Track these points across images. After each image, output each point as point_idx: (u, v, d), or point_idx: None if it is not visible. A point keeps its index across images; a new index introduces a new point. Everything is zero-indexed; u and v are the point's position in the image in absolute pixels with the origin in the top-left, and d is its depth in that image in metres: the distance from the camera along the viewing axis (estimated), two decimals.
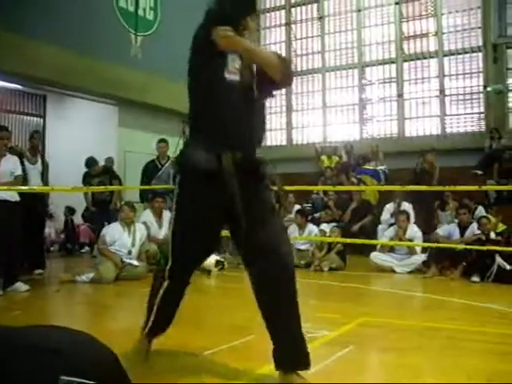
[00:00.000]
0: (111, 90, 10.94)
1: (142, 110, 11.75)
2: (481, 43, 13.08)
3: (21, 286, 6.19)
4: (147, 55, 11.92)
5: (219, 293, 6.77)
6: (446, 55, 13.51)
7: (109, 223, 8.25)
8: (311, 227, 8.97)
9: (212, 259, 8.05)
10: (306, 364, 2.73)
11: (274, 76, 2.65)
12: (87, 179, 9.79)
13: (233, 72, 2.67)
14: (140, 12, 12.08)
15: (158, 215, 8.23)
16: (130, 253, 7.20)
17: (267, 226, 2.72)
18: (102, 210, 9.63)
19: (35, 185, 7.21)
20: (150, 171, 9.13)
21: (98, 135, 11.30)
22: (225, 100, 2.66)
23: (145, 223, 7.92)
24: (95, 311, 5.29)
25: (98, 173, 9.83)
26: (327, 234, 8.91)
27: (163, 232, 8.11)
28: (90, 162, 9.90)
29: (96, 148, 10.59)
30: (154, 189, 8.54)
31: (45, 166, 7.91)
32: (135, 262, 7.18)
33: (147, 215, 8.23)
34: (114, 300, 6.09)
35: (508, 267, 6.98)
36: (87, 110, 11.64)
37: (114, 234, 7.23)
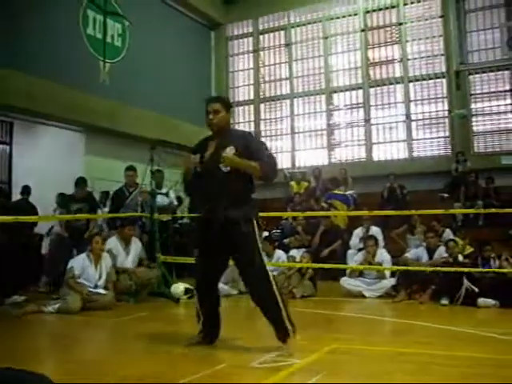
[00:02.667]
0: (79, 116, 10.82)
1: (110, 137, 11.65)
2: (444, 70, 13.36)
3: None
4: (115, 82, 11.86)
5: (187, 321, 6.65)
6: (411, 81, 13.77)
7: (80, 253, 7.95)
8: (279, 253, 8.89)
9: (181, 287, 7.97)
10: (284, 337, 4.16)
11: (255, 175, 4.21)
12: (68, 203, 9.14)
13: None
14: (108, 39, 12.04)
15: (126, 243, 7.98)
16: (96, 286, 7.05)
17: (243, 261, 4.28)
18: (75, 239, 9.04)
19: None
20: (118, 199, 8.97)
21: (65, 162, 11.12)
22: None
23: (110, 251, 7.72)
24: (62, 343, 5.14)
25: (82, 198, 9.11)
26: (297, 260, 8.87)
27: (130, 259, 7.92)
28: (80, 183, 9.15)
29: (63, 175, 10.41)
30: (124, 217, 8.38)
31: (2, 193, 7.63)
32: (102, 291, 7.04)
33: (113, 243, 7.96)
34: (81, 331, 5.93)
35: (476, 290, 7.02)
36: (55, 137, 11.48)
37: (82, 266, 7.03)
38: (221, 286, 8.13)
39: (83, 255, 7.21)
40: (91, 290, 6.92)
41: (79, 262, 7.10)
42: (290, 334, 4.15)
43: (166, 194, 9.56)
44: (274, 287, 4.17)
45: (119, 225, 8.22)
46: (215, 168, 4.15)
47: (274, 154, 4.40)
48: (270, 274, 4.20)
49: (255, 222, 4.22)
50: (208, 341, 4.41)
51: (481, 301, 6.90)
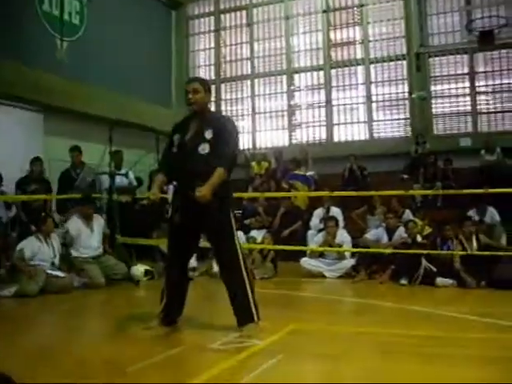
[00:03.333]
0: (36, 96, 10.52)
1: (69, 117, 11.37)
2: (405, 52, 13.44)
3: None
4: (74, 61, 11.56)
5: (148, 304, 6.58)
6: (372, 63, 13.79)
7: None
8: (239, 235, 8.84)
9: (141, 268, 7.89)
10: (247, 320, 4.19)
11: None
12: (23, 185, 8.83)
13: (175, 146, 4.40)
14: (65, 16, 11.70)
15: (88, 220, 7.72)
16: (53, 264, 6.91)
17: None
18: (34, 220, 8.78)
19: None
20: (65, 181, 8.77)
21: (23, 143, 10.80)
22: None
23: (68, 233, 7.56)
24: (17, 326, 5.02)
25: (38, 178, 8.92)
26: (258, 241, 8.87)
27: (96, 236, 7.71)
28: (34, 163, 8.94)
29: (21, 156, 10.13)
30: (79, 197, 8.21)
31: None
32: (60, 274, 6.91)
33: (74, 222, 7.71)
34: (38, 314, 5.82)
35: (434, 269, 7.12)
36: (11, 116, 11.15)
37: (33, 247, 6.87)
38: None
39: (32, 237, 7.04)
40: (49, 271, 6.78)
41: (29, 244, 6.92)
42: (254, 319, 4.21)
43: (126, 175, 9.42)
44: (244, 273, 4.23)
45: (80, 203, 7.97)
46: (194, 151, 4.23)
47: (238, 144, 4.48)
48: (242, 258, 4.27)
49: (230, 202, 4.37)
50: (167, 322, 4.37)
51: (439, 280, 7.02)
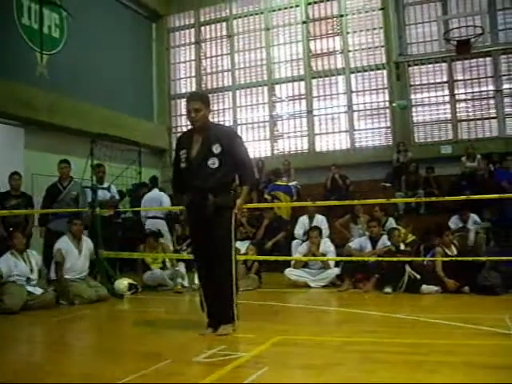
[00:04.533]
0: (17, 110, 10.45)
1: (50, 131, 11.31)
2: (384, 61, 13.56)
3: None
4: (54, 74, 11.52)
5: (131, 318, 6.52)
6: (352, 72, 13.91)
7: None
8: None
9: (125, 282, 7.81)
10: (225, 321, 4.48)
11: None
12: (3, 200, 8.62)
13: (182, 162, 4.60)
14: (45, 30, 11.65)
15: (78, 241, 7.43)
16: (29, 279, 6.78)
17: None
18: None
19: None
20: (52, 194, 8.68)
21: (3, 157, 10.71)
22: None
23: (59, 251, 7.21)
24: (3, 343, 4.93)
25: (17, 193, 8.70)
26: (241, 252, 8.83)
27: (82, 258, 7.38)
28: (13, 178, 8.72)
29: (2, 171, 10.02)
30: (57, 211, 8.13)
31: None
32: (39, 290, 6.78)
33: (65, 243, 7.36)
34: (22, 331, 5.74)
35: (418, 277, 7.13)
36: None
37: (10, 264, 6.71)
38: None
39: (7, 254, 6.86)
40: (30, 290, 6.67)
41: (4, 261, 6.77)
42: (234, 319, 4.51)
43: (108, 189, 9.35)
44: (234, 278, 4.48)
45: (68, 220, 7.81)
46: (203, 164, 4.46)
47: (251, 157, 4.71)
48: (234, 264, 4.52)
49: (234, 211, 4.56)
50: (215, 326, 4.55)
51: (424, 288, 7.02)
